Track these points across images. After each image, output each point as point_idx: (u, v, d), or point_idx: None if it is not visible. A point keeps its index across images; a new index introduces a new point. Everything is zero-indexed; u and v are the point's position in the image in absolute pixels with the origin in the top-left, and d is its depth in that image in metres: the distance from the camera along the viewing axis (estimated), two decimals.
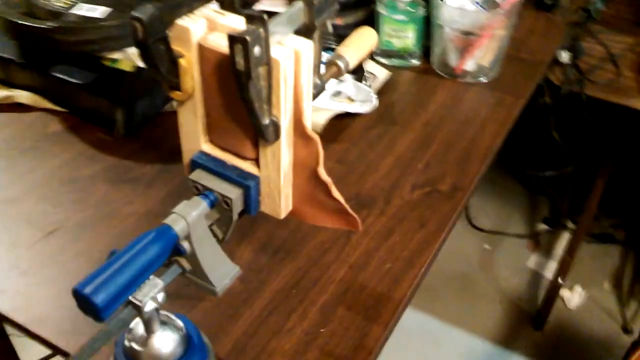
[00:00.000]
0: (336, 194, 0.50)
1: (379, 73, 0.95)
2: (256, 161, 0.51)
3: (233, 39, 0.40)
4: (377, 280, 0.65)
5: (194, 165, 0.52)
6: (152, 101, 0.85)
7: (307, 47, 0.45)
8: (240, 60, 0.41)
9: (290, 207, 0.53)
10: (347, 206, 0.51)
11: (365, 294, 0.64)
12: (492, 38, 0.93)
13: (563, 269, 1.41)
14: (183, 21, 0.46)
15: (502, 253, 1.76)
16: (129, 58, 0.85)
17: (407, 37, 0.96)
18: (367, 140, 0.84)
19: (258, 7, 1.11)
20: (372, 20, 0.98)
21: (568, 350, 1.51)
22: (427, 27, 0.97)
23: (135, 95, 0.82)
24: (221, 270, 0.52)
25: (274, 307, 0.62)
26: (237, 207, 0.51)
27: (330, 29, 0.92)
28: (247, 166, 0.51)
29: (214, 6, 0.48)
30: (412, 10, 0.95)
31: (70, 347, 0.58)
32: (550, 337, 1.53)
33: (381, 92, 0.92)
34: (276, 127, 0.46)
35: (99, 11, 0.84)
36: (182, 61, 0.47)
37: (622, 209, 1.71)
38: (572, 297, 1.57)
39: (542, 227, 1.81)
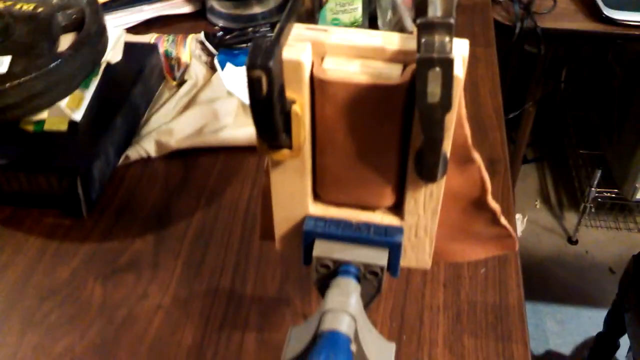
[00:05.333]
0: (504, 220, 0.40)
1: None
2: (392, 208, 0.39)
3: (427, 63, 0.28)
4: (482, 291, 0.56)
5: (309, 236, 0.39)
6: (107, 159, 0.67)
7: (466, 49, 0.33)
8: (435, 89, 0.29)
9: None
10: (511, 229, 0.41)
11: (480, 311, 0.55)
12: None
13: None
14: (288, 53, 0.32)
15: None
16: (59, 113, 0.66)
17: (356, 9, 0.86)
18: None
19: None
20: None
21: (532, 275, 1.54)
22: None
23: (89, 157, 0.64)
24: (384, 355, 0.40)
25: None
26: (385, 273, 0.39)
27: None
28: (380, 218, 0.39)
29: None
30: None
31: None
32: None
33: None
34: (445, 161, 0.35)
35: (2, 64, 0.63)
36: (295, 108, 0.33)
37: None
38: (517, 225, 1.60)
39: None
